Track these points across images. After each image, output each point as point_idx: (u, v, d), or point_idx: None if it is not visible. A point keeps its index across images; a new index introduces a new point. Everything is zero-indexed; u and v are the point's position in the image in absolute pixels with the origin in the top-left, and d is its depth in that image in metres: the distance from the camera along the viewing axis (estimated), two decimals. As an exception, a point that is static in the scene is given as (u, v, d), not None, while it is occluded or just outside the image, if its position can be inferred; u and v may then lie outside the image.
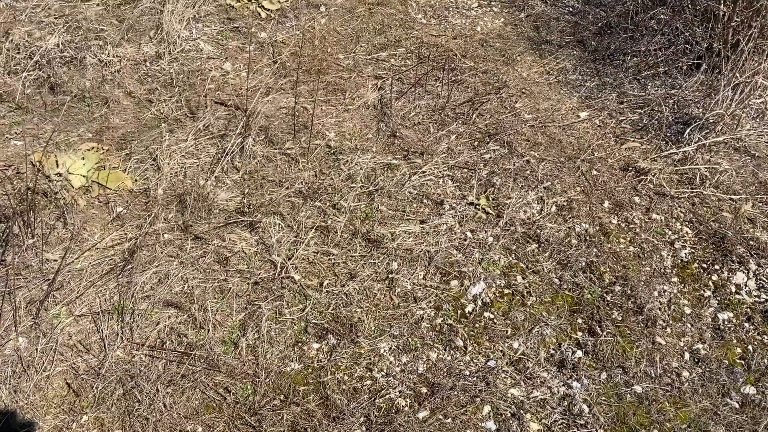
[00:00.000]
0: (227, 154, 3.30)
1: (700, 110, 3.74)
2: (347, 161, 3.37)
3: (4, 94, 3.57)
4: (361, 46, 4.28)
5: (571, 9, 4.77)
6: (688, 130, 3.58)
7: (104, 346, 2.48)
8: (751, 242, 3.06)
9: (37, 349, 2.44)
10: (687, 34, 4.11)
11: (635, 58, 4.20)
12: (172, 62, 3.93)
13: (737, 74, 3.70)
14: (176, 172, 3.24)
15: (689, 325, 2.74)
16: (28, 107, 3.53)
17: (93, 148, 3.30)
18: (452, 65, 4.11)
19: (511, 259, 2.95)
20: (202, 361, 2.46)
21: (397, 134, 3.56)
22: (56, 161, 3.14)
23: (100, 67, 3.82)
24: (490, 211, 3.15)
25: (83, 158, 3.20)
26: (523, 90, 3.98)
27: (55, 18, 4.05)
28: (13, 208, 2.76)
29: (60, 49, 3.81)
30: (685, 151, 3.51)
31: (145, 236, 2.89)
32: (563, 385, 2.51)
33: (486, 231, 3.06)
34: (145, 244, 2.86)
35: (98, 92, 3.67)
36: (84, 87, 3.68)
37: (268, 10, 4.45)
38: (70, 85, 3.66)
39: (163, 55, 3.95)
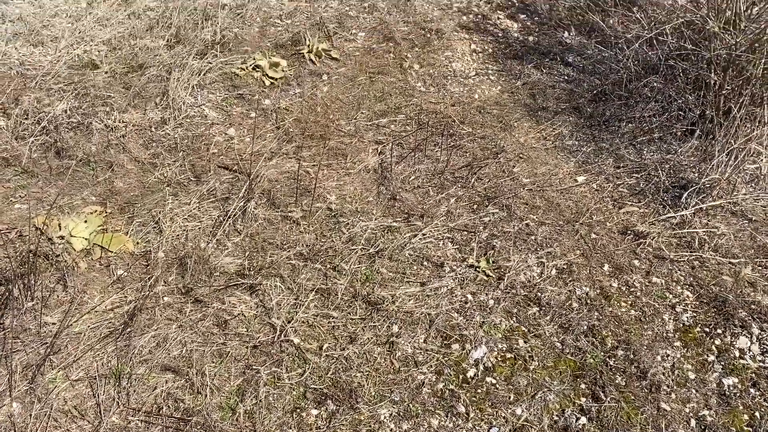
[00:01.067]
0: (229, 217, 3.33)
1: (696, 175, 3.80)
2: (348, 224, 3.40)
3: (10, 158, 3.63)
4: (362, 112, 4.39)
5: (566, 77, 4.90)
6: (685, 194, 3.63)
7: (100, 412, 2.44)
8: (752, 306, 3.05)
9: (31, 415, 2.40)
10: (680, 101, 4.22)
11: (630, 124, 4.29)
12: (176, 127, 4.01)
13: (731, 140, 3.78)
14: (178, 235, 3.25)
15: (694, 391, 2.69)
16: (34, 171, 3.58)
17: (96, 211, 3.33)
18: (451, 131, 4.20)
19: (512, 322, 2.93)
20: (199, 427, 2.40)
21: (398, 197, 3.61)
22: (59, 224, 3.17)
23: (106, 132, 3.89)
24: (491, 274, 3.15)
25: (86, 221, 3.23)
26: (521, 155, 4.05)
27: (65, 85, 4.17)
28: (13, 270, 2.76)
29: (67, 115, 3.91)
30: (683, 215, 3.54)
31: (145, 299, 2.88)
32: (568, 453, 2.45)
33: (487, 294, 3.05)
34: (145, 307, 2.84)
35: (103, 156, 3.73)
36: (89, 151, 3.74)
37: (272, 78, 4.58)
38: (75, 150, 3.73)
39: (168, 120, 4.04)
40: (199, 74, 4.41)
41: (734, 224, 3.53)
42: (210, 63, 4.52)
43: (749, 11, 3.92)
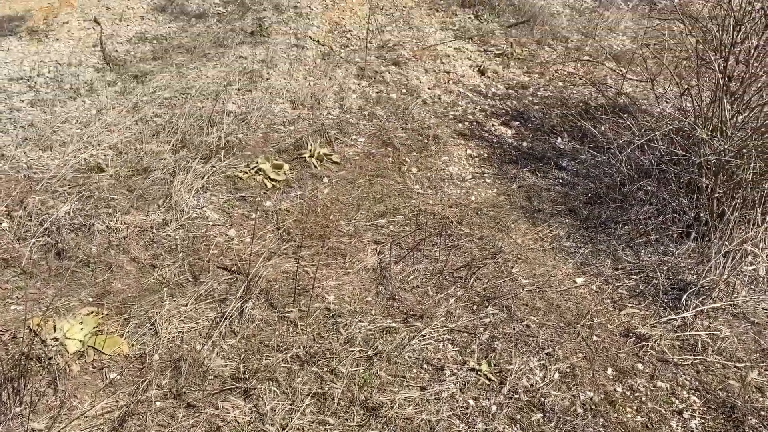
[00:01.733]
0: (226, 318, 3.30)
1: (695, 276, 3.80)
2: (346, 324, 3.36)
3: (11, 259, 3.64)
4: (361, 213, 4.45)
5: (560, 181, 5.02)
6: (685, 296, 3.62)
7: None
8: (762, 413, 2.96)
9: None
10: (674, 204, 4.29)
11: (626, 227, 4.34)
12: (178, 229, 4.06)
13: (726, 242, 3.82)
14: (173, 337, 3.21)
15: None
16: (33, 272, 3.58)
17: (92, 312, 3.30)
18: (449, 231, 4.24)
19: (515, 429, 2.83)
20: None
21: (396, 297, 3.59)
22: (54, 326, 3.13)
23: (107, 234, 3.93)
24: (493, 378, 3.08)
25: (81, 322, 3.19)
26: (519, 256, 4.07)
27: (69, 188, 4.25)
28: (3, 374, 2.70)
29: (70, 217, 3.96)
30: (684, 317, 3.51)
31: (137, 404, 2.80)
32: None
33: (489, 399, 2.97)
34: (136, 413, 2.75)
35: (103, 257, 3.74)
36: (90, 252, 3.76)
37: (274, 181, 4.68)
38: (76, 251, 3.75)
39: (169, 222, 4.08)
40: (203, 177, 4.51)
41: (737, 327, 3.50)
42: (214, 167, 4.64)
43: (734, 119, 4.08)
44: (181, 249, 3.89)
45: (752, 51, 4.09)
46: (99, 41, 6.60)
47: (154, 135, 5.05)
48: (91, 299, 3.44)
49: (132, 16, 7.18)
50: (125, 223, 4.03)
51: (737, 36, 4.16)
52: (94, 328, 3.19)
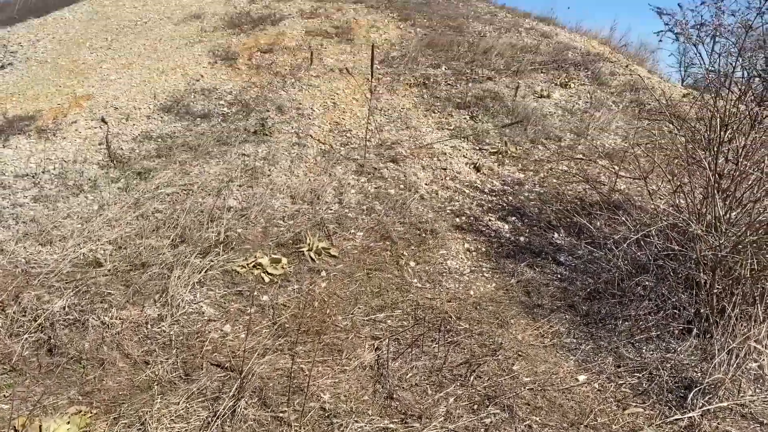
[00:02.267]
0: (218, 418, 3.19)
1: (699, 374, 3.72)
2: (342, 425, 3.25)
3: (1, 356, 3.57)
4: (359, 307, 4.41)
5: (559, 276, 5.01)
6: (690, 395, 3.52)
7: None
8: None
9: None
10: (674, 299, 4.27)
11: (627, 323, 4.30)
12: (173, 324, 4.01)
13: (729, 339, 3.76)
14: (163, 438, 3.09)
15: None
16: (23, 369, 3.51)
17: (80, 411, 3.20)
18: (448, 327, 4.19)
19: None
20: None
21: (394, 396, 3.49)
22: (40, 426, 3.02)
23: (101, 329, 3.88)
24: (494, 483, 2.94)
25: (68, 423, 3.08)
26: (519, 352, 4.00)
27: (66, 283, 4.24)
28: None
29: (65, 312, 3.92)
30: (690, 417, 3.40)
31: None
32: None
33: (490, 506, 2.82)
34: None
35: (96, 354, 3.67)
36: (82, 349, 3.70)
37: (272, 275, 4.67)
38: (68, 347, 3.68)
39: (165, 317, 4.04)
40: (200, 272, 4.50)
41: (745, 427, 3.38)
42: (212, 261, 4.65)
43: (728, 215, 4.14)
44: (175, 345, 3.82)
45: (740, 150, 4.20)
46: (105, 140, 6.79)
47: (154, 230, 5.09)
48: (80, 398, 3.35)
49: (138, 116, 7.43)
50: (120, 319, 3.99)
51: (725, 135, 4.29)
52: (81, 428, 3.08)
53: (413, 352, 3.89)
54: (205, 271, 4.54)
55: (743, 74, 4.55)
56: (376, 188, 6.22)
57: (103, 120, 7.31)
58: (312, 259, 4.95)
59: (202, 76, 8.47)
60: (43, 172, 6.12)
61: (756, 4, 4.26)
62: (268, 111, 7.65)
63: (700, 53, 4.58)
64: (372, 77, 7.92)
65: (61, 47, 9.73)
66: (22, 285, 4.16)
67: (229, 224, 5.26)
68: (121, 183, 5.97)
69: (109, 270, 4.49)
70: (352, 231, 5.46)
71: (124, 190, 5.83)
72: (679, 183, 4.67)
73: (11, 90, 8.30)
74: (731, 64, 4.38)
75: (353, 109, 7.85)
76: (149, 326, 3.98)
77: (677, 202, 4.74)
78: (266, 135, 7.09)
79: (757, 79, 4.48)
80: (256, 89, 8.20)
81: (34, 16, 11.35)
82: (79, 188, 5.86)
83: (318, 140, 7.12)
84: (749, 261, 3.85)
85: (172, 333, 3.93)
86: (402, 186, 6.30)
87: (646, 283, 4.45)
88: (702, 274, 4.04)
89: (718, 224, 4.07)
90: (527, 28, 11.43)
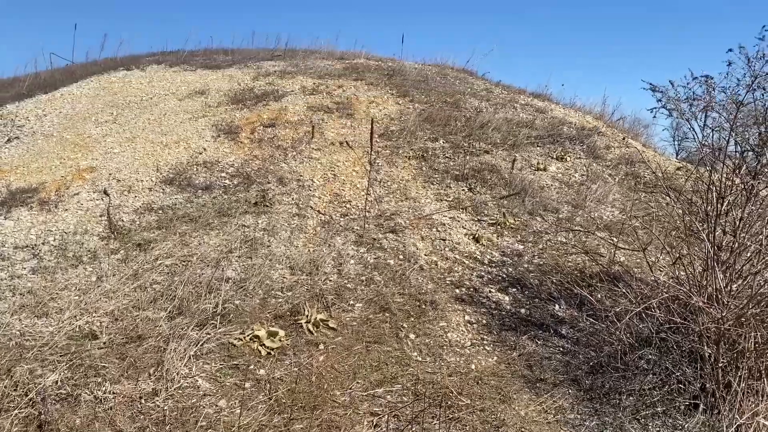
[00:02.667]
0: (211, 500, 3.07)
1: (708, 452, 3.61)
2: None
3: (-11, 431, 3.47)
4: (357, 382, 4.32)
5: (561, 349, 4.94)
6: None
7: None
8: None
9: None
10: (678, 373, 4.19)
11: (631, 397, 4.20)
12: (167, 399, 3.91)
13: (737, 415, 3.67)
14: None
15: None
16: (10, 446, 3.40)
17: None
18: (449, 402, 4.09)
19: None
20: None
21: (394, 477, 3.37)
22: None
23: (94, 404, 3.79)
24: None
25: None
26: (523, 429, 3.89)
27: (60, 356, 4.17)
28: None
29: (57, 386, 3.84)
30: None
31: None
32: None
33: None
34: None
35: (87, 430, 3.57)
36: (73, 425, 3.60)
37: (269, 348, 4.60)
38: (59, 423, 3.58)
39: (159, 392, 3.95)
40: (197, 345, 4.44)
41: None
42: (209, 334, 4.59)
43: (729, 287, 4.12)
44: (169, 421, 3.72)
45: (737, 222, 4.23)
46: (106, 211, 6.84)
47: (151, 302, 5.05)
48: (68, 477, 3.23)
49: (140, 188, 7.51)
50: (114, 393, 3.90)
51: (721, 208, 4.33)
52: None
53: (414, 430, 3.78)
54: (202, 344, 4.47)
55: (736, 148, 4.64)
56: (375, 259, 6.22)
57: (105, 192, 7.39)
58: (310, 331, 4.89)
59: (204, 149, 8.62)
60: (42, 244, 6.13)
61: (746, 81, 4.40)
62: (269, 183, 7.74)
63: (693, 128, 4.69)
64: (372, 150, 8.05)
65: (68, 121, 9.94)
66: (15, 358, 4.09)
67: (227, 296, 5.22)
68: (121, 254, 5.97)
69: (104, 342, 4.43)
70: (351, 302, 5.42)
71: (124, 261, 5.83)
72: (678, 255, 4.67)
73: (16, 163, 8.42)
74: (724, 138, 4.47)
75: (353, 181, 7.94)
76: (143, 401, 3.88)
77: (677, 273, 4.74)
78: (267, 206, 7.15)
79: (750, 152, 4.56)
80: (257, 162, 8.32)
81: (42, 91, 11.66)
82: (78, 259, 5.85)
83: (318, 211, 7.17)
84: (753, 334, 3.81)
85: (166, 408, 3.83)
86: (401, 256, 6.30)
87: (650, 356, 4.38)
88: (706, 347, 3.98)
89: (720, 296, 4.05)
90: (522, 104, 11.73)
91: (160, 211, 7.00)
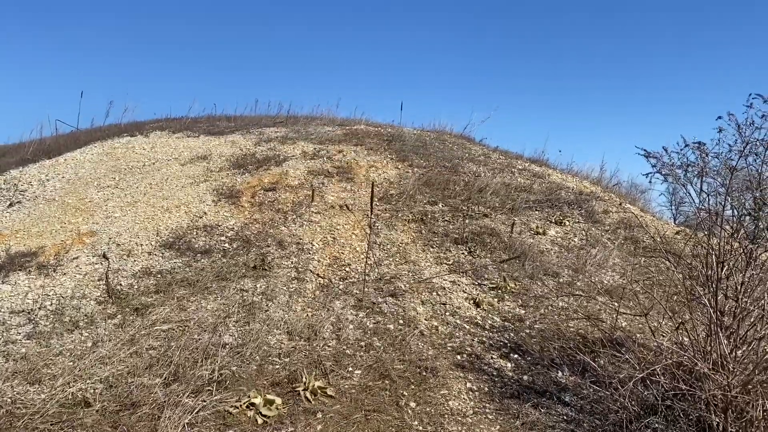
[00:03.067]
0: None
1: None
2: None
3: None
4: (356, 453, 4.19)
5: (565, 417, 4.82)
6: None
7: None
8: None
9: None
10: (686, 443, 4.08)
11: (639, 468, 4.07)
12: (159, 470, 3.79)
13: (749, 486, 3.55)
14: None
15: None
16: None
17: None
18: (451, 475, 3.95)
19: None
20: None
21: None
22: None
23: (83, 476, 3.66)
24: None
25: None
26: (528, 503, 3.75)
27: (51, 424, 4.07)
28: None
29: (47, 456, 3.72)
30: None
31: None
32: None
33: None
34: None
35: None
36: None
37: (265, 416, 4.49)
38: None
39: (152, 462, 3.83)
40: (192, 413, 4.33)
41: None
42: (204, 401, 4.48)
43: (733, 353, 4.06)
44: (161, 494, 3.59)
45: (739, 287, 4.21)
46: (105, 276, 6.81)
47: (147, 368, 4.96)
48: None
49: (140, 252, 7.51)
50: (104, 464, 3.78)
51: (722, 272, 4.32)
52: None
53: (414, 503, 3.64)
54: (197, 412, 4.36)
55: (733, 212, 4.67)
56: (374, 323, 6.15)
57: (104, 256, 7.38)
58: (308, 399, 4.78)
59: (205, 213, 8.67)
60: (39, 308, 6.07)
61: (738, 147, 4.47)
62: (268, 246, 7.74)
63: (689, 192, 4.74)
64: (372, 212, 8.10)
65: (70, 186, 10.04)
66: (4, 427, 3.98)
67: (224, 362, 5.13)
68: (118, 319, 5.91)
69: (97, 410, 4.32)
70: (350, 369, 5.32)
71: (120, 326, 5.76)
72: (680, 320, 4.63)
73: (17, 227, 8.45)
74: (720, 203, 4.51)
75: (353, 244, 7.95)
76: (134, 473, 3.76)
77: (681, 339, 4.68)
78: (266, 270, 7.13)
79: (747, 216, 4.59)
80: (257, 225, 8.36)
81: (46, 157, 11.83)
82: (74, 324, 5.78)
83: (317, 275, 7.14)
84: (761, 402, 3.73)
85: (158, 480, 3.70)
86: (401, 321, 6.23)
87: (656, 425, 4.28)
88: (714, 416, 3.89)
89: (725, 362, 3.98)
90: (520, 168, 11.88)
91: (159, 276, 6.97)
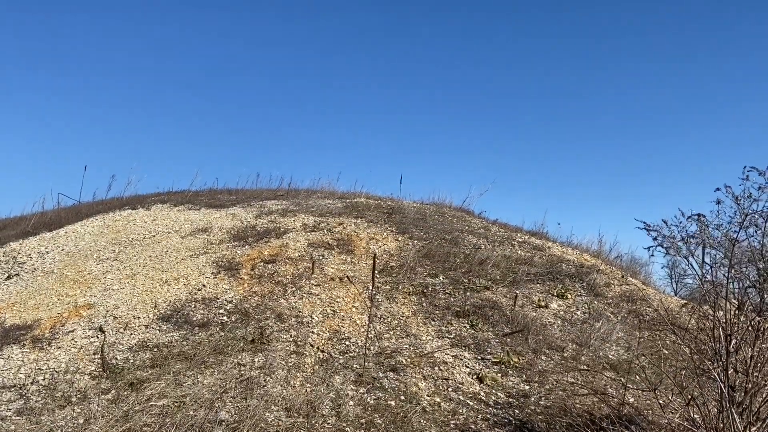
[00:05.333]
0: None
1: None
2: None
3: None
4: None
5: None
6: None
7: None
8: None
9: None
10: None
11: None
12: None
13: None
14: None
15: None
16: None
17: None
18: None
19: None
20: None
21: None
22: None
23: None
24: None
25: None
26: None
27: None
28: None
29: None
30: None
31: None
32: None
33: None
34: None
35: None
36: None
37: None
38: None
39: None
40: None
41: None
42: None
43: (748, 430, 3.93)
44: None
45: (748, 361, 4.12)
46: (100, 349, 6.68)
47: (139, 446, 4.79)
48: None
49: (137, 325, 7.40)
50: None
51: (730, 346, 4.24)
52: None
53: None
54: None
55: (736, 285, 4.63)
56: (375, 399, 5.98)
57: (100, 329, 7.27)
58: (307, 479, 4.58)
59: (204, 285, 8.60)
60: (31, 383, 5.92)
61: (737, 218, 4.49)
62: (267, 319, 7.64)
63: (691, 264, 4.72)
64: (373, 285, 8.03)
65: (69, 258, 10.01)
66: None
67: (220, 440, 4.95)
68: (112, 394, 5.75)
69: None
70: (351, 448, 5.13)
71: (114, 402, 5.60)
72: (690, 396, 4.51)
73: (13, 299, 8.36)
74: (724, 275, 4.48)
75: (353, 317, 7.84)
76: None
77: (691, 415, 4.54)
78: (264, 343, 7.00)
79: (752, 288, 4.55)
80: (257, 298, 8.27)
81: (47, 229, 11.85)
82: (67, 400, 5.62)
83: (317, 348, 7.01)
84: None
85: None
86: (403, 397, 6.06)
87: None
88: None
89: (740, 440, 3.85)
90: (520, 241, 11.88)
91: (155, 349, 6.84)
